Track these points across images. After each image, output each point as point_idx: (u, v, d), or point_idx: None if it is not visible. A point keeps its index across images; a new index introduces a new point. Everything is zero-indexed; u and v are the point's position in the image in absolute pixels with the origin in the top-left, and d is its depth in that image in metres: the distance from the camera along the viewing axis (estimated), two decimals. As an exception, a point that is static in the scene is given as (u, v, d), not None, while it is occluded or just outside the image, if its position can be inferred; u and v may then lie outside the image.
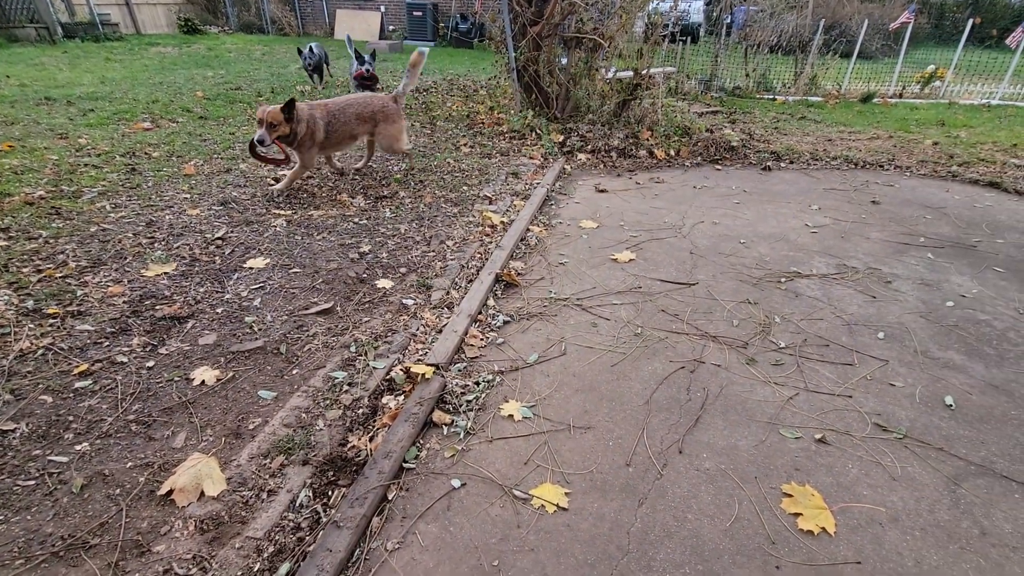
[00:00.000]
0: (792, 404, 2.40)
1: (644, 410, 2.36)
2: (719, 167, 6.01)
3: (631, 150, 6.17)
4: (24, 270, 3.07)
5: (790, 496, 1.94)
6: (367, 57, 6.91)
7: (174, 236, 3.64)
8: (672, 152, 6.21)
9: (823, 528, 1.83)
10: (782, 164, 6.13)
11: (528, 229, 4.18)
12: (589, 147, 6.20)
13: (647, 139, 6.34)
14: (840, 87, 10.56)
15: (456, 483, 2.00)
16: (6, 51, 10.01)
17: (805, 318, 3.07)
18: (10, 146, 4.88)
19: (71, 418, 2.14)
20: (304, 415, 2.25)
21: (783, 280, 3.50)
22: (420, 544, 1.78)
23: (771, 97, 10.16)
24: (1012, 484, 2.02)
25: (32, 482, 1.86)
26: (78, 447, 2.01)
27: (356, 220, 4.12)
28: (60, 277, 3.07)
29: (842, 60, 11.59)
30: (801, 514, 1.86)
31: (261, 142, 4.01)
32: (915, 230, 4.35)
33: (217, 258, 3.43)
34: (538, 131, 6.51)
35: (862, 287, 3.44)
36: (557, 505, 1.91)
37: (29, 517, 1.74)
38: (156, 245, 3.50)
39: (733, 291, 3.35)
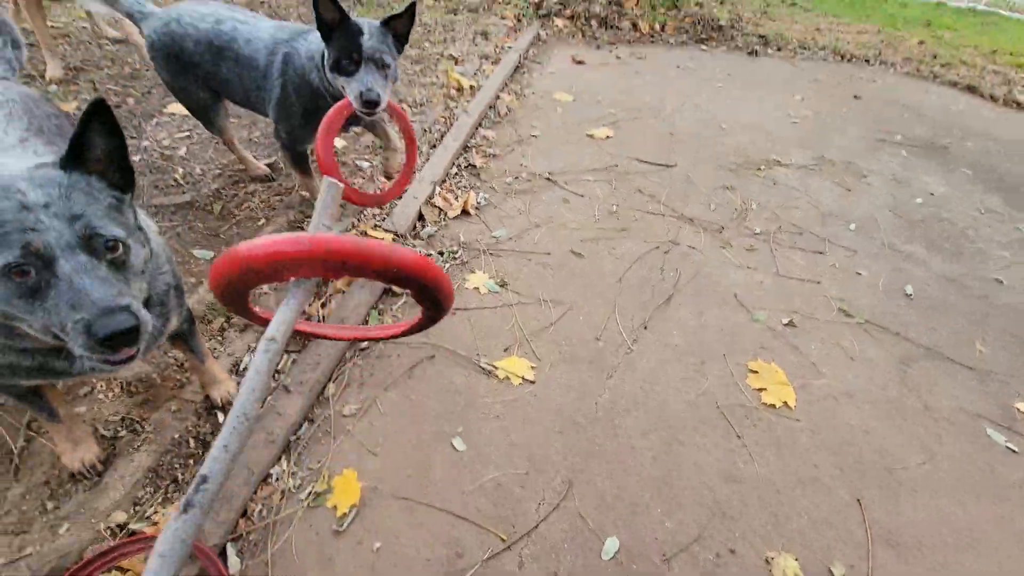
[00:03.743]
0: (763, 288, 2.37)
1: (616, 288, 2.26)
2: (704, 47, 5.56)
3: (613, 20, 5.57)
4: None
5: (755, 372, 1.94)
6: None
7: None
8: (657, 26, 5.66)
9: (785, 402, 1.86)
10: (769, 51, 5.73)
11: (498, 96, 3.76)
12: (568, 11, 5.54)
13: (632, 8, 5.72)
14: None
15: (417, 353, 1.87)
16: None
17: (781, 206, 2.98)
18: None
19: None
20: (246, 278, 2.01)
21: (762, 168, 3.36)
22: (379, 410, 1.68)
23: (763, -22, 9.33)
24: (955, 366, 2.11)
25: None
26: None
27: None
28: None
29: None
30: (765, 389, 1.88)
31: None
32: (893, 128, 4.25)
33: (130, 99, 2.89)
34: (512, -12, 5.73)
35: (838, 180, 3.36)
36: (523, 377, 1.83)
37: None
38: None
39: (711, 176, 3.19)
